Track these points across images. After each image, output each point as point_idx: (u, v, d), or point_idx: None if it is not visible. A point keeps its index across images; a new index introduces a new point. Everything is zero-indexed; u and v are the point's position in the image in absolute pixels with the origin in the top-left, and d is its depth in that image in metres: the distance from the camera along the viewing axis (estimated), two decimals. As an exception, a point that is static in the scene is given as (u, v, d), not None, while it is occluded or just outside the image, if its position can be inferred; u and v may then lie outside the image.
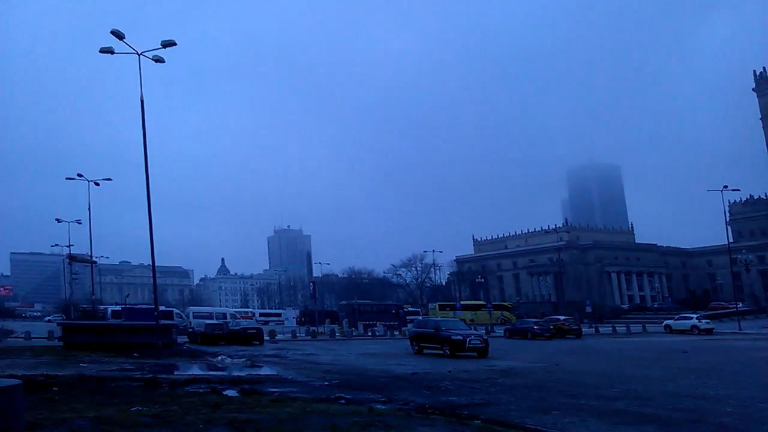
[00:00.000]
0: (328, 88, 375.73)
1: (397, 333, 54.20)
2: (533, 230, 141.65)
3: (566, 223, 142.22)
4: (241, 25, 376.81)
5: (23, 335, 41.95)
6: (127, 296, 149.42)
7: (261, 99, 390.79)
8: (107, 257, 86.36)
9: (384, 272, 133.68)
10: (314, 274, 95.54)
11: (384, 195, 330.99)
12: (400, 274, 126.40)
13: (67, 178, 50.55)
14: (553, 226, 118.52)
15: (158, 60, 27.87)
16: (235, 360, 25.75)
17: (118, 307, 58.34)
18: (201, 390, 14.38)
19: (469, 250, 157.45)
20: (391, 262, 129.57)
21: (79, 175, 49.08)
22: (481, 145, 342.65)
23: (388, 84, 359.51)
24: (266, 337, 43.30)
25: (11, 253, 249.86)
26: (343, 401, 12.86)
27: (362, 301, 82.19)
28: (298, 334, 50.83)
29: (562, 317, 55.91)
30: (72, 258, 60.72)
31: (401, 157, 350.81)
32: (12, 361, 22.00)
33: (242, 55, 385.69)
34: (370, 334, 53.93)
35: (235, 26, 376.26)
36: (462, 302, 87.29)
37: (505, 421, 10.89)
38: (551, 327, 48.58)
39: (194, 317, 57.26)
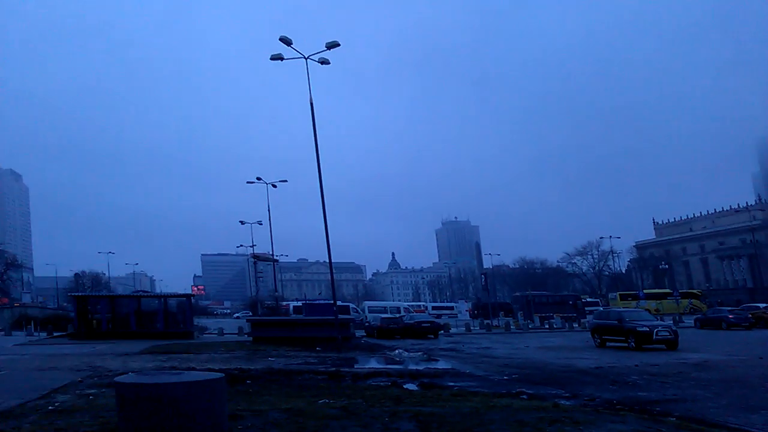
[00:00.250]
0: (494, 78, 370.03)
1: (575, 325, 52.32)
2: (721, 210, 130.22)
3: (759, 200, 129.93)
4: (406, 19, 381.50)
5: (216, 331, 45.36)
6: (320, 293, 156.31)
7: (424, 92, 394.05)
8: (286, 255, 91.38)
9: (558, 261, 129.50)
10: (484, 266, 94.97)
11: (553, 181, 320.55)
12: (575, 263, 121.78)
13: (247, 182, 54.18)
14: (744, 204, 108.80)
15: (324, 62, 28.96)
16: (411, 354, 26.02)
17: (299, 303, 61.41)
18: (382, 383, 14.61)
19: (648, 235, 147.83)
20: (565, 251, 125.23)
21: (258, 179, 52.31)
22: (658, 120, 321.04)
23: (555, 70, 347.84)
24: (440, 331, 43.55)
25: (202, 255, 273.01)
26: (525, 396, 12.49)
27: (537, 293, 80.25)
28: (471, 327, 50.64)
29: (762, 305, 51.09)
30: (256, 257, 64.79)
31: (571, 142, 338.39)
32: (209, 356, 23.70)
33: (405, 49, 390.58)
34: (547, 326, 52.51)
35: (400, 20, 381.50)
36: (645, 291, 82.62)
37: (703, 419, 10.00)
38: (749, 316, 44.52)
39: (369, 311, 58.96)
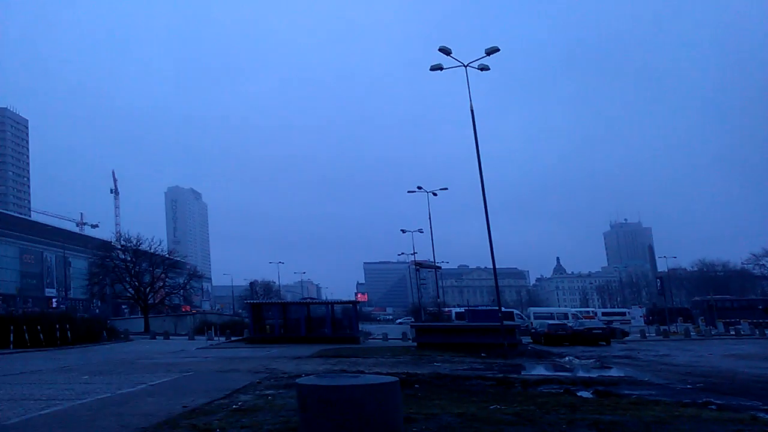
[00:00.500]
0: (660, 77, 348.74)
1: (767, 331, 47.99)
2: None
3: None
4: (558, 19, 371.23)
5: (381, 336, 46.36)
6: (493, 300, 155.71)
7: (586, 95, 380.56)
8: (447, 262, 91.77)
9: (742, 263, 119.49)
10: (658, 269, 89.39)
11: (733, 178, 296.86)
12: (763, 265, 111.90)
13: (408, 192, 55.15)
14: None
15: (483, 68, 28.87)
16: (582, 361, 25.00)
17: (461, 309, 61.29)
18: (553, 390, 14.11)
19: None
20: (750, 251, 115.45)
21: (419, 188, 53.11)
22: None
23: (731, 59, 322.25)
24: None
25: (364, 263, 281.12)
26: (713, 407, 11.48)
27: (719, 297, 74.45)
28: (647, 334, 47.95)
29: None
30: (419, 265, 65.70)
31: (747, 135, 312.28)
32: (376, 360, 24.18)
33: (556, 45, 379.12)
34: (732, 332, 48.62)
35: (552, 21, 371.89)
36: None
37: None
38: None
39: (535, 318, 57.58)
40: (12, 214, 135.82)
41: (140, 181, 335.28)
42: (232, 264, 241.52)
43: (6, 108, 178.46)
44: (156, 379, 16.23)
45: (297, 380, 6.53)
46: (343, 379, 6.51)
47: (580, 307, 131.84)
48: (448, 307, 78.49)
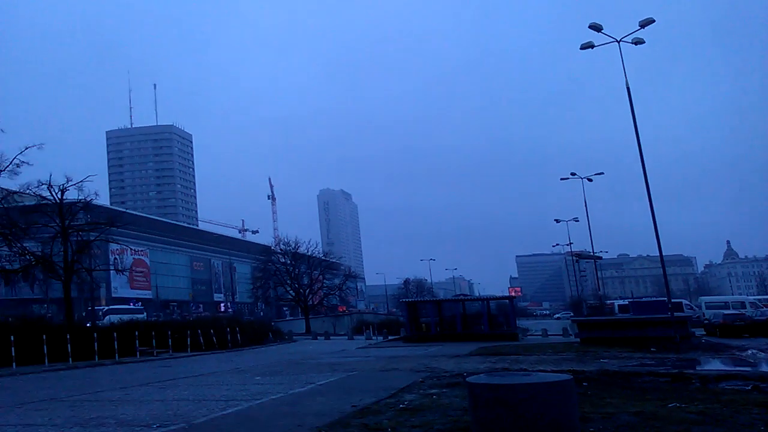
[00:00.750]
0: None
1: None
2: None
3: None
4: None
5: (540, 333, 45.20)
6: (659, 291, 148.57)
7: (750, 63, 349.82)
8: (606, 252, 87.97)
9: None
10: None
11: None
12: None
13: (561, 179, 53.60)
14: None
15: (638, 42, 27.49)
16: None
17: (625, 301, 58.52)
18: (738, 387, 12.98)
19: None
20: None
21: (573, 174, 51.44)
22: None
23: None
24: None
25: (516, 256, 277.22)
26: None
27: None
28: None
29: None
30: (578, 255, 63.57)
31: None
32: (538, 357, 23.56)
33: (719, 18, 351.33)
34: None
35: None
36: None
37: None
38: None
39: (707, 307, 53.80)
40: (182, 224, 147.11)
41: (294, 185, 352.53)
42: (383, 263, 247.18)
43: (172, 125, 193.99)
44: (323, 379, 16.79)
45: (467, 379, 6.41)
46: (515, 378, 6.31)
47: (758, 294, 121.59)
48: (609, 300, 75.30)
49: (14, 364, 24.10)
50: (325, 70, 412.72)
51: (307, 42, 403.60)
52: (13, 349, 24.42)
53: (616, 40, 27.68)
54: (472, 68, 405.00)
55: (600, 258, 59.69)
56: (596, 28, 27.15)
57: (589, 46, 28.01)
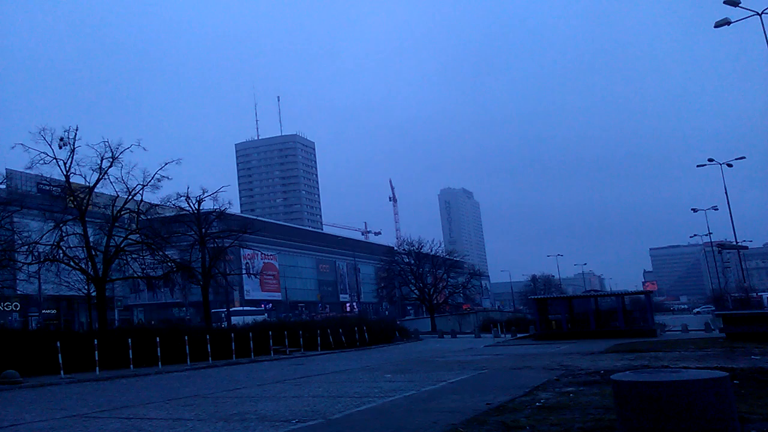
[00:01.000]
0: None
1: None
2: None
3: None
4: None
5: (679, 328, 42.87)
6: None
7: None
8: (751, 240, 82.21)
9: None
10: None
11: None
12: None
13: (697, 166, 50.75)
14: None
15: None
16: None
17: (775, 294, 54.48)
18: None
19: None
20: None
21: (710, 160, 48.54)
22: None
23: None
24: None
25: (650, 249, 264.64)
26: None
27: None
28: None
29: None
30: (721, 246, 59.85)
31: None
32: (679, 354, 22.28)
33: None
34: None
35: None
36: None
37: None
38: None
39: None
40: (308, 229, 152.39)
41: (414, 186, 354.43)
42: (508, 260, 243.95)
43: (296, 134, 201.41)
44: (454, 377, 16.66)
45: (612, 377, 6.08)
46: (662, 375, 5.92)
47: None
48: (756, 292, 70.19)
49: (160, 363, 25.87)
50: (441, 70, 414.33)
51: (423, 44, 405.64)
52: (158, 349, 26.16)
53: (757, 13, 25.92)
54: (593, 61, 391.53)
55: (745, 248, 55.69)
56: (733, 3, 25.59)
57: (725, 23, 26.31)
